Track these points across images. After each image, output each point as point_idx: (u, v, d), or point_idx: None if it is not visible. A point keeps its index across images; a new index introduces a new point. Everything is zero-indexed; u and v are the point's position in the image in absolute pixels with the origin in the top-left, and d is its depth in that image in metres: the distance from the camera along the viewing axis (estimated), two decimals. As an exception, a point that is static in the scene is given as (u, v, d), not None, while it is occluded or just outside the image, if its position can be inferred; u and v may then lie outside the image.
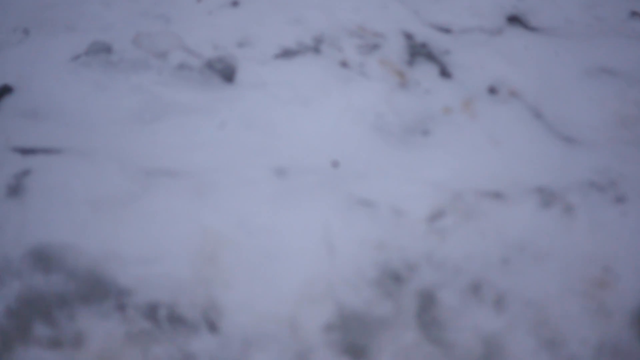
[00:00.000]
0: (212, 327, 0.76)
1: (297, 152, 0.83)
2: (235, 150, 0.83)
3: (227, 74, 0.89)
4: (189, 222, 0.78)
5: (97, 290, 0.77)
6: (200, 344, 0.76)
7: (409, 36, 0.93)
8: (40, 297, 0.77)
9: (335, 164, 0.83)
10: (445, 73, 0.90)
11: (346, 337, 0.76)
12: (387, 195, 0.80)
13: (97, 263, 0.77)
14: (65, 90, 0.88)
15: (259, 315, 0.76)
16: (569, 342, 0.76)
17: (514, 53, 0.92)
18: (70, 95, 0.88)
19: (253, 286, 0.76)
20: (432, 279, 0.77)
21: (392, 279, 0.77)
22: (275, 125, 0.85)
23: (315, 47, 0.91)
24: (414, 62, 0.91)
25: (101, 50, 0.91)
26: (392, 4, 0.96)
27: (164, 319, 0.76)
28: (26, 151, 0.83)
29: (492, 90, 0.88)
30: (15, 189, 0.81)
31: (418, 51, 0.92)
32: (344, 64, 0.90)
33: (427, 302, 0.77)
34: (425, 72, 0.90)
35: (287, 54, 0.91)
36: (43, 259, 0.78)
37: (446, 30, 0.94)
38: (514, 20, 0.96)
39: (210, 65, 0.90)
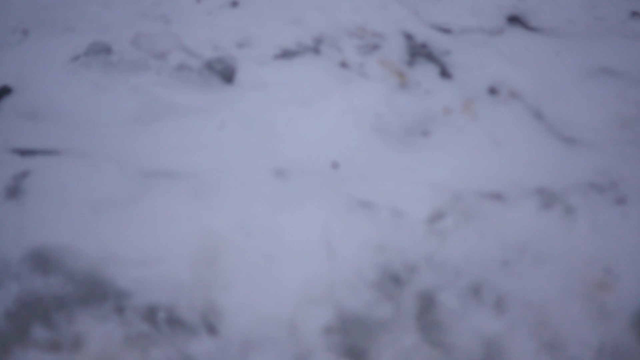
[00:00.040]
0: (212, 329, 0.76)
1: (296, 153, 0.83)
2: (234, 151, 0.83)
3: (227, 74, 0.89)
4: (188, 224, 0.78)
5: (95, 292, 0.77)
6: (200, 346, 0.76)
7: (409, 36, 0.92)
8: (38, 299, 0.77)
9: (335, 165, 0.82)
10: (445, 73, 0.90)
11: (346, 340, 0.76)
12: (387, 196, 0.80)
13: (95, 265, 0.77)
14: (64, 91, 0.88)
15: (259, 318, 0.76)
16: (570, 344, 0.76)
17: (514, 53, 0.92)
18: (70, 96, 0.88)
19: (252, 288, 0.76)
20: (432, 281, 0.77)
21: (392, 281, 0.77)
22: (275, 126, 0.85)
23: (315, 48, 0.91)
24: (414, 62, 0.90)
25: (100, 51, 0.91)
26: (391, 4, 0.96)
27: (163, 321, 0.76)
28: (25, 152, 0.83)
29: (493, 91, 0.88)
30: (14, 191, 0.81)
31: (418, 51, 0.91)
32: (344, 65, 0.90)
33: (427, 304, 0.76)
34: (426, 73, 0.89)
35: (286, 54, 0.91)
36: (42, 261, 0.77)
37: (446, 31, 0.94)
38: (514, 20, 0.96)
39: (209, 65, 0.89)
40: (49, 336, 0.76)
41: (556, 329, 0.76)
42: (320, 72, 0.89)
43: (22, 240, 0.78)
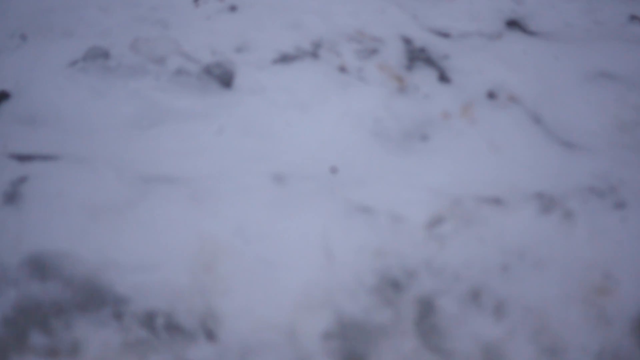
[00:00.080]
0: (210, 335, 0.76)
1: (295, 158, 0.83)
2: (233, 156, 0.83)
3: (225, 79, 0.89)
4: (186, 229, 0.78)
5: (94, 298, 0.76)
6: (198, 352, 0.75)
7: (407, 41, 0.92)
8: (36, 305, 0.76)
9: (333, 170, 0.82)
10: (444, 78, 0.89)
11: (345, 345, 0.75)
12: (385, 201, 0.80)
13: (94, 271, 0.77)
14: (62, 96, 0.88)
15: (257, 323, 0.75)
16: (569, 349, 0.76)
17: (513, 57, 0.91)
18: (68, 101, 0.88)
19: (251, 294, 0.76)
20: (431, 286, 0.77)
21: (391, 286, 0.77)
22: (274, 131, 0.85)
23: (314, 52, 0.91)
24: (413, 66, 0.90)
25: (99, 55, 0.91)
26: (390, 9, 0.95)
27: (162, 327, 0.76)
28: (23, 158, 0.83)
29: (491, 95, 0.88)
30: (12, 196, 0.80)
31: (417, 56, 0.91)
32: (343, 69, 0.90)
33: (426, 309, 0.76)
34: (424, 77, 0.89)
35: (285, 59, 0.90)
36: (40, 266, 0.77)
37: (445, 35, 0.94)
38: (513, 24, 0.96)
39: (208, 70, 0.89)
40: (47, 342, 0.76)
41: (556, 333, 0.76)
42: (318, 76, 0.89)
43: (20, 246, 0.78)
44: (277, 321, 0.76)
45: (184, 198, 0.80)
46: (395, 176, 0.82)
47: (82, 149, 0.84)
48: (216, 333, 0.76)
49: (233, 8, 0.95)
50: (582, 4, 0.98)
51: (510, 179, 0.82)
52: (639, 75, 0.91)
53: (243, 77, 0.89)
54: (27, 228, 0.79)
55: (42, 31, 0.94)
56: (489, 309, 0.76)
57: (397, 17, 0.95)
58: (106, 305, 0.76)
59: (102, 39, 0.93)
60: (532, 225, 0.79)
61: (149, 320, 0.76)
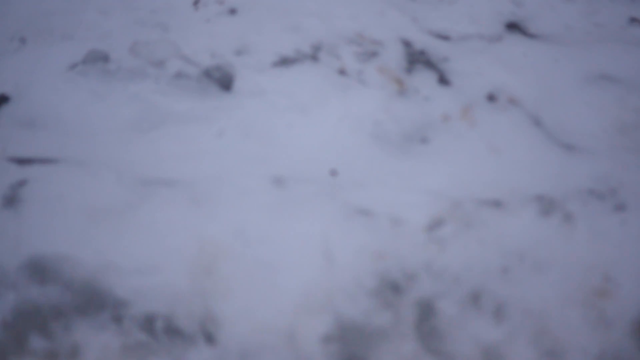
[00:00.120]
0: (210, 338, 0.76)
1: (295, 161, 0.83)
2: (233, 159, 0.83)
3: (225, 82, 0.89)
4: (186, 233, 0.78)
5: (93, 301, 0.76)
6: (198, 355, 0.75)
7: (407, 43, 0.92)
8: (36, 309, 0.76)
9: (333, 173, 0.82)
10: (444, 80, 0.89)
11: (345, 348, 0.75)
12: (385, 204, 0.80)
13: (93, 274, 0.77)
14: (62, 100, 0.88)
15: (257, 327, 0.75)
16: (570, 352, 0.76)
17: (513, 60, 0.91)
18: (67, 104, 0.88)
19: (251, 297, 0.76)
20: (431, 289, 0.77)
21: (391, 289, 0.77)
22: (274, 134, 0.85)
23: (313, 55, 0.91)
24: (413, 69, 0.90)
25: (98, 59, 0.91)
26: (390, 12, 0.95)
27: (161, 330, 0.76)
28: (22, 161, 0.83)
29: (491, 98, 0.88)
30: (12, 200, 0.80)
31: (416, 58, 0.91)
32: (342, 72, 0.89)
33: (426, 312, 0.76)
34: (424, 80, 0.89)
35: (285, 62, 0.90)
36: (39, 270, 0.77)
37: (445, 38, 0.94)
38: (513, 27, 0.96)
39: (207, 73, 0.89)
40: (46, 346, 0.76)
41: (556, 336, 0.76)
42: (318, 79, 0.89)
43: (20, 250, 0.78)
44: (276, 324, 0.75)
45: (183, 201, 0.80)
46: (395, 179, 0.82)
47: (82, 152, 0.84)
48: (216, 336, 0.76)
49: (232, 11, 0.95)
50: (581, 6, 0.98)
51: (510, 182, 0.82)
52: (639, 78, 0.90)
53: (243, 80, 0.89)
54: (26, 231, 0.79)
55: (42, 34, 0.94)
56: (489, 311, 0.76)
57: (396, 20, 0.95)
58: (106, 309, 0.76)
59: (102, 42, 0.93)
60: (532, 228, 0.79)
61: (148, 323, 0.76)
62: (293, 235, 0.78)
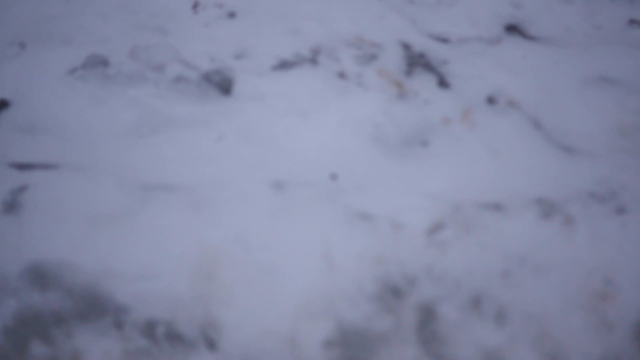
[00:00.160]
0: (211, 344, 0.76)
1: (295, 165, 0.83)
2: (233, 163, 0.83)
3: (225, 86, 0.89)
4: (186, 238, 0.78)
5: (94, 307, 0.76)
6: (199, 361, 0.75)
7: (406, 46, 0.92)
8: (37, 315, 0.76)
9: (333, 177, 0.82)
10: (443, 83, 0.89)
11: (346, 353, 0.75)
12: (386, 208, 0.80)
13: (94, 280, 0.77)
14: (62, 105, 0.88)
15: (258, 332, 0.75)
16: (571, 356, 0.75)
17: (513, 62, 0.91)
18: (67, 109, 0.88)
19: (252, 302, 0.76)
20: (432, 293, 0.77)
21: (392, 293, 0.76)
22: (273, 137, 0.85)
23: (313, 58, 0.91)
24: (412, 72, 0.90)
25: (98, 63, 0.91)
26: (389, 14, 0.95)
27: (162, 336, 0.76)
28: (23, 166, 0.83)
29: (491, 100, 0.88)
30: (12, 205, 0.80)
31: (416, 61, 0.91)
32: (342, 75, 0.89)
33: (427, 316, 0.76)
34: (424, 83, 0.89)
35: (284, 65, 0.90)
36: (40, 276, 0.77)
37: (444, 40, 0.94)
38: (513, 29, 0.96)
39: (207, 77, 0.89)
40: (47, 352, 0.76)
41: (557, 340, 0.76)
42: (318, 82, 0.89)
43: (20, 256, 0.78)
44: (277, 329, 0.75)
45: (184, 206, 0.80)
46: (395, 182, 0.82)
47: (82, 157, 0.84)
48: (217, 342, 0.76)
49: (232, 15, 0.95)
50: (581, 8, 0.98)
51: (511, 185, 0.82)
52: (639, 80, 0.90)
53: (242, 84, 0.89)
54: (27, 237, 0.79)
55: (42, 39, 0.94)
56: (490, 315, 0.76)
57: (396, 23, 0.95)
58: (106, 315, 0.76)
59: (102, 46, 0.93)
60: (532, 231, 0.79)
61: (149, 329, 0.76)
62: (293, 240, 0.78)
